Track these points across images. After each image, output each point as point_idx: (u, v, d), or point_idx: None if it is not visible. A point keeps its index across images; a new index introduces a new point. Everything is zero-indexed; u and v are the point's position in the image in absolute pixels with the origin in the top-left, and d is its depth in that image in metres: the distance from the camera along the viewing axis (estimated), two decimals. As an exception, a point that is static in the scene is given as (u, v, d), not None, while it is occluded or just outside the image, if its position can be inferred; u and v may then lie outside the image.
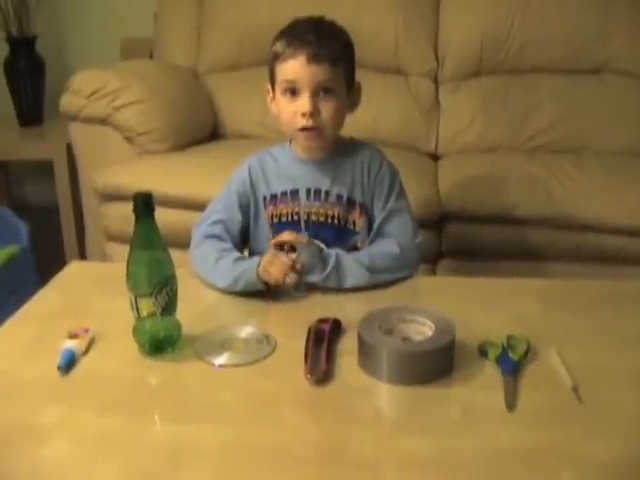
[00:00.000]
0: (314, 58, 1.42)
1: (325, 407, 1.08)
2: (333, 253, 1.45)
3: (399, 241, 1.51)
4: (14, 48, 3.27)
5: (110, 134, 2.44)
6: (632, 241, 2.15)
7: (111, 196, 2.27)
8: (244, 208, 1.57)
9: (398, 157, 1.69)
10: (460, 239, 2.23)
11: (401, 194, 1.57)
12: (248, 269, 1.41)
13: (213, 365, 1.18)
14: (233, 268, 1.43)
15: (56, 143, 2.99)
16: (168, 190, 2.13)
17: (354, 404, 1.08)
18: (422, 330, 1.19)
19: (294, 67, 1.43)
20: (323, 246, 1.47)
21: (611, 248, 2.17)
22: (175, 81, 2.70)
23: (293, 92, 1.45)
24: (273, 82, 1.50)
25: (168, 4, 3.03)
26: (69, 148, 2.69)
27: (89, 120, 2.43)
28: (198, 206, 2.18)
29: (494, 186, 2.26)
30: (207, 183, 2.19)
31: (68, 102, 2.43)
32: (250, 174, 1.58)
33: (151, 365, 1.18)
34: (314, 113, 1.44)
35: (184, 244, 2.16)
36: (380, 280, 1.46)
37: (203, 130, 2.72)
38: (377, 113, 2.57)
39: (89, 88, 2.39)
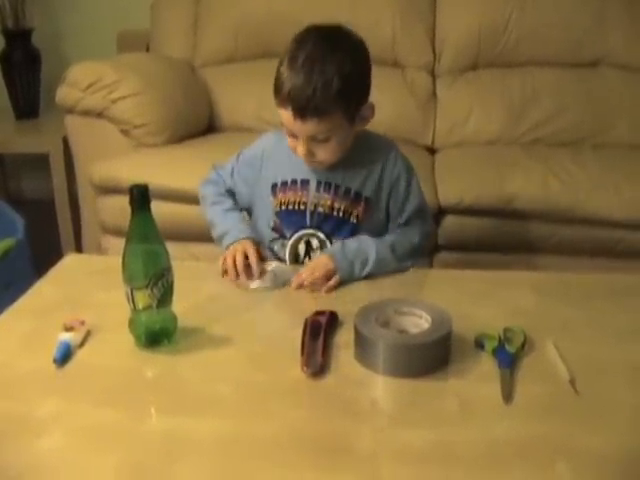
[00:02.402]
0: (300, 116, 1.37)
1: (321, 400, 1.08)
2: (372, 245, 1.48)
3: (419, 233, 1.56)
4: (10, 41, 3.26)
5: (106, 127, 2.44)
6: (629, 234, 2.15)
7: (107, 189, 2.27)
8: (247, 180, 1.61)
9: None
10: (457, 232, 2.23)
11: (416, 192, 1.57)
12: (231, 231, 1.53)
13: (247, 288, 1.40)
14: (223, 220, 1.58)
15: (52, 136, 2.98)
16: (164, 183, 2.13)
17: (350, 397, 1.08)
18: (418, 323, 1.19)
19: (285, 116, 1.40)
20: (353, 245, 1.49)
21: (608, 241, 2.17)
22: (171, 74, 2.70)
23: (290, 133, 1.44)
24: None
25: (164, -3, 3.02)
26: (65, 141, 2.69)
27: (85, 113, 2.43)
28: (194, 199, 2.17)
29: (491, 179, 2.25)
30: (203, 176, 2.19)
31: (64, 95, 2.43)
32: (263, 151, 1.59)
33: (147, 357, 1.18)
34: (310, 156, 1.44)
35: (180, 237, 2.16)
36: (401, 267, 1.50)
37: (199, 123, 2.72)
38: (374, 106, 2.56)
39: (85, 81, 2.38)
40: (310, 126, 1.38)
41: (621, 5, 2.74)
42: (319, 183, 1.53)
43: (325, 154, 1.44)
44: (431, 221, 1.60)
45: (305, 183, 1.54)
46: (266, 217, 1.58)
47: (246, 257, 1.45)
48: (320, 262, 1.44)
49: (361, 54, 1.47)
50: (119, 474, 0.91)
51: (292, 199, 1.54)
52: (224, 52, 2.90)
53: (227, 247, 1.50)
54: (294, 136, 1.43)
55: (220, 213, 1.60)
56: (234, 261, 1.44)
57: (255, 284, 1.42)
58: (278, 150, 1.55)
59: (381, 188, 1.54)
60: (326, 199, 1.53)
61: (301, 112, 1.36)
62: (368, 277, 1.46)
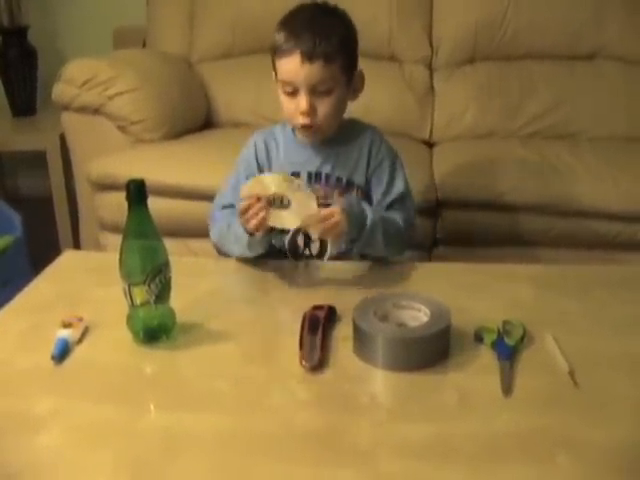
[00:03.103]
0: (308, 58, 1.41)
1: (320, 394, 1.08)
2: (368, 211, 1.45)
3: (403, 219, 1.54)
4: (6, 38, 3.26)
5: (103, 123, 2.43)
6: (626, 227, 2.15)
7: (105, 186, 2.26)
8: None
9: (393, 144, 1.68)
10: (455, 226, 2.23)
11: (402, 176, 1.58)
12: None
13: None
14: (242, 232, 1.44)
15: (49, 133, 2.98)
16: (162, 179, 2.12)
17: (349, 391, 1.08)
18: (417, 316, 1.19)
19: (289, 66, 1.43)
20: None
21: (606, 234, 2.17)
22: (168, 70, 2.69)
23: (291, 90, 1.45)
24: (275, 72, 1.50)
25: (161, -8, 3.01)
26: (62, 138, 2.68)
27: (82, 109, 2.42)
28: (191, 194, 2.18)
29: (489, 173, 2.25)
30: (200, 172, 2.19)
31: (60, 91, 2.42)
32: (257, 158, 1.58)
33: (145, 353, 1.18)
34: (311, 112, 1.45)
35: (178, 233, 2.16)
36: (377, 241, 1.46)
37: (196, 119, 2.71)
38: (371, 100, 2.53)
39: (82, 77, 2.38)
40: (316, 70, 1.42)
41: (618, -2, 2.74)
42: (310, 175, 1.55)
43: (325, 109, 1.46)
44: (414, 213, 1.59)
45: (296, 176, 1.53)
46: None
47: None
48: (335, 216, 1.37)
49: (351, 23, 1.53)
50: (118, 470, 0.91)
51: None
52: (221, 47, 2.90)
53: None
54: (293, 95, 1.45)
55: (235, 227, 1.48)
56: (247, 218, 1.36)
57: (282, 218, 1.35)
58: (268, 149, 1.59)
59: (370, 174, 1.57)
60: (318, 189, 1.53)
61: (309, 54, 1.41)
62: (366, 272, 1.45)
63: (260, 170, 1.57)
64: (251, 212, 1.34)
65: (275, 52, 1.46)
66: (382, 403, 1.08)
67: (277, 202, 1.33)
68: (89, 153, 2.40)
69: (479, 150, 2.46)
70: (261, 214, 1.33)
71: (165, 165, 2.24)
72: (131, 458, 0.93)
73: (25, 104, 3.34)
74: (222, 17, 2.87)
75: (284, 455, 0.93)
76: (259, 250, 1.45)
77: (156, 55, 2.81)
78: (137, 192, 1.13)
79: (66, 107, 2.44)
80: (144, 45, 3.02)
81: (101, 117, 2.43)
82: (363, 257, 1.54)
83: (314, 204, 1.34)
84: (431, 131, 2.72)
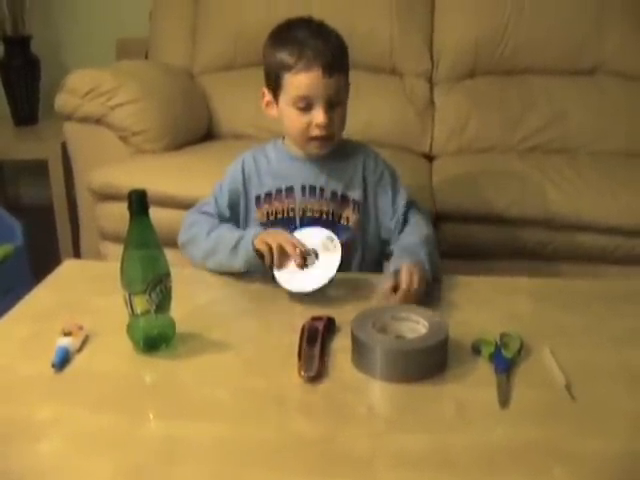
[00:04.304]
0: (328, 71, 1.42)
1: (319, 405, 1.08)
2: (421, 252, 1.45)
3: (425, 222, 1.58)
4: (9, 47, 3.27)
5: (105, 134, 2.44)
6: (626, 241, 2.16)
7: (106, 196, 2.27)
8: (234, 207, 1.58)
9: (392, 157, 1.69)
10: (454, 239, 2.23)
11: (404, 186, 1.61)
12: (246, 236, 1.43)
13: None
14: (232, 231, 1.48)
15: (51, 143, 2.98)
16: (163, 189, 2.13)
17: (348, 401, 1.08)
18: (415, 328, 1.20)
19: (308, 81, 1.43)
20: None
21: (606, 248, 2.17)
22: (170, 81, 2.70)
23: (305, 105, 1.45)
24: (275, 89, 1.50)
25: (163, 4, 3.02)
26: (64, 148, 2.68)
27: (84, 120, 2.43)
28: (193, 205, 2.18)
29: (488, 187, 2.26)
30: (202, 183, 2.18)
31: (63, 101, 2.43)
32: (243, 172, 1.59)
33: (145, 362, 1.18)
34: (329, 125, 1.46)
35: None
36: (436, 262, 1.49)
37: (198, 130, 2.72)
38: (371, 113, 2.57)
39: (84, 87, 2.38)
40: (335, 82, 1.44)
41: (619, 13, 2.75)
42: (303, 188, 1.55)
43: (339, 119, 1.48)
44: (423, 208, 1.62)
45: (289, 190, 1.56)
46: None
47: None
48: (410, 271, 1.34)
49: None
50: (117, 478, 0.92)
51: (279, 208, 1.56)
52: (223, 59, 2.91)
53: (252, 244, 1.42)
54: (306, 109, 1.45)
55: (225, 230, 1.51)
56: (269, 247, 1.38)
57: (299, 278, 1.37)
58: (258, 167, 1.59)
59: (367, 190, 1.57)
60: (313, 203, 1.55)
61: (330, 67, 1.43)
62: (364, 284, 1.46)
63: (245, 185, 1.58)
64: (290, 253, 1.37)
65: (285, 69, 1.45)
66: (380, 414, 1.08)
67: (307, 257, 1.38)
68: (90, 163, 2.41)
69: (479, 164, 2.47)
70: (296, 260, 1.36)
71: (166, 176, 2.24)
72: (130, 466, 0.94)
73: (27, 113, 3.35)
74: (224, 29, 2.88)
75: (283, 465, 0.94)
76: (249, 268, 1.45)
77: (158, 66, 2.82)
78: (139, 202, 1.14)
79: (68, 117, 2.45)
80: (146, 56, 3.03)
81: (103, 127, 2.43)
82: (361, 269, 1.56)
83: (389, 282, 1.34)
84: (431, 145, 2.72)
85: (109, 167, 2.32)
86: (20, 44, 3.26)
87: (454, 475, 0.92)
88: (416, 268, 1.35)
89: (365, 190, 1.57)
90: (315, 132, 1.47)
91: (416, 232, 1.54)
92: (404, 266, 1.35)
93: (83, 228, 2.62)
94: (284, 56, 1.45)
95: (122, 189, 2.06)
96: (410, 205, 1.59)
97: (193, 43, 2.94)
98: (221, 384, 1.12)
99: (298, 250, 1.36)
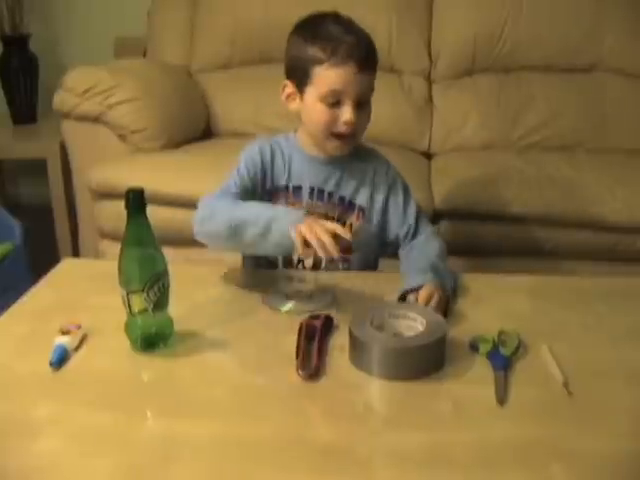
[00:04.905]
0: (362, 68, 1.41)
1: (317, 403, 1.08)
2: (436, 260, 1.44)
3: (435, 233, 1.57)
4: (7, 46, 3.27)
5: (103, 132, 2.44)
6: (625, 238, 2.16)
7: (104, 194, 2.27)
8: (249, 194, 1.50)
9: (391, 155, 1.69)
10: (452, 237, 2.23)
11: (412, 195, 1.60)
12: (281, 214, 1.32)
13: (280, 311, 1.33)
14: (263, 209, 1.36)
15: (50, 141, 2.98)
16: (161, 188, 2.13)
17: (346, 400, 1.08)
18: (413, 326, 1.20)
19: (341, 76, 1.40)
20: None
21: (604, 245, 2.18)
22: (168, 79, 2.70)
23: (335, 101, 1.42)
24: (301, 82, 1.46)
25: (161, 3, 3.03)
26: (63, 146, 2.69)
27: (82, 118, 2.43)
28: (191, 204, 2.17)
29: (487, 184, 2.26)
30: (200, 181, 2.19)
31: (61, 100, 2.43)
32: (262, 159, 1.53)
33: (143, 361, 1.18)
34: (355, 123, 1.43)
35: (176, 241, 2.16)
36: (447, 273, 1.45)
37: (196, 128, 2.73)
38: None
39: (82, 86, 2.39)
40: (366, 79, 1.43)
41: (617, 10, 2.76)
42: (312, 190, 1.53)
43: (364, 118, 1.46)
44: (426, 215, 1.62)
45: (297, 190, 1.53)
46: None
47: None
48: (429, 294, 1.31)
49: None
50: (115, 477, 0.91)
51: (285, 205, 1.52)
52: (221, 58, 2.91)
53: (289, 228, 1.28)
54: (335, 105, 1.42)
55: (254, 206, 1.41)
56: (315, 232, 1.23)
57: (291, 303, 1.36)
58: (274, 157, 1.54)
59: (375, 197, 1.55)
60: (319, 206, 1.53)
61: (363, 64, 1.41)
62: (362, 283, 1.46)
63: (264, 172, 1.52)
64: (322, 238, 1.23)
65: (317, 63, 1.41)
66: (378, 412, 1.08)
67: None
68: (89, 161, 2.41)
69: (477, 161, 2.47)
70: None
71: (164, 174, 2.25)
72: (128, 465, 0.94)
73: (26, 112, 3.35)
74: (222, 28, 2.88)
75: (281, 463, 0.94)
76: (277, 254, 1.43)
77: (156, 65, 2.82)
78: (136, 201, 1.14)
79: (66, 115, 2.45)
80: (144, 55, 3.04)
81: (101, 126, 2.44)
82: (360, 267, 1.55)
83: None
84: (430, 142, 2.73)
85: (107, 165, 2.33)
86: (18, 43, 3.25)
87: (452, 472, 0.92)
88: (437, 291, 1.31)
89: (372, 196, 1.55)
90: (341, 129, 1.44)
91: (431, 246, 1.51)
92: (425, 287, 1.32)
93: (82, 226, 2.62)
94: (316, 50, 1.41)
95: (120, 187, 2.05)
96: (421, 215, 1.58)
97: (191, 41, 2.95)
98: (219, 382, 1.12)
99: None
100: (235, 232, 1.35)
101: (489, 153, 2.60)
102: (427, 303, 1.28)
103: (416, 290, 1.32)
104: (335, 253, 1.21)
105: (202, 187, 2.12)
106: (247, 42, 2.85)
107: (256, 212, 1.35)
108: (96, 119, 2.42)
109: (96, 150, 2.46)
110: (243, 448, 0.96)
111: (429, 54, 2.83)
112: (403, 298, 1.34)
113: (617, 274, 2.15)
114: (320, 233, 1.22)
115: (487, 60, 2.80)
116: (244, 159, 1.53)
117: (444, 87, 2.81)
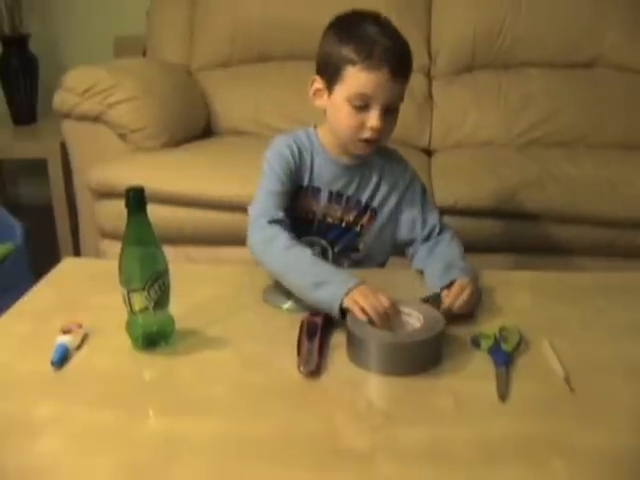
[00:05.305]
0: (395, 75, 1.37)
1: (317, 399, 1.08)
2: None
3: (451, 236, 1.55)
4: (7, 47, 3.26)
5: (103, 131, 2.44)
6: (625, 233, 2.16)
7: (105, 193, 2.27)
8: (290, 193, 1.48)
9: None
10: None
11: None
12: (334, 282, 1.26)
13: (280, 308, 1.33)
14: (313, 267, 1.31)
15: (50, 141, 2.98)
16: (161, 186, 2.13)
17: (347, 396, 1.09)
18: (411, 322, 1.20)
19: (372, 80, 1.37)
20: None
21: (604, 240, 2.18)
22: (168, 78, 2.70)
23: (363, 104, 1.39)
24: (332, 80, 1.42)
25: (161, 2, 3.03)
26: (63, 146, 2.68)
27: (82, 117, 2.43)
28: (191, 202, 2.19)
29: (487, 180, 2.26)
30: (200, 180, 2.20)
31: (61, 100, 2.43)
32: (293, 156, 1.48)
33: (144, 360, 1.18)
34: (382, 129, 1.41)
35: (177, 240, 2.17)
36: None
37: (196, 127, 2.72)
38: (370, 108, 2.57)
39: (82, 86, 2.39)
40: (397, 88, 1.41)
41: (617, 6, 2.75)
42: (330, 193, 1.51)
43: (391, 125, 1.44)
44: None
45: (316, 191, 1.51)
46: None
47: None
48: (460, 289, 1.31)
49: None
50: (116, 475, 0.92)
51: (301, 206, 1.50)
52: (220, 56, 2.91)
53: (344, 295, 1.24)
54: (362, 109, 1.39)
55: (307, 258, 1.34)
56: (375, 306, 1.20)
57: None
58: (302, 155, 1.50)
59: (390, 198, 1.54)
60: (336, 210, 1.51)
61: (397, 71, 1.38)
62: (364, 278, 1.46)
63: (295, 169, 1.48)
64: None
65: (350, 63, 1.38)
66: (379, 408, 1.08)
67: None
68: (89, 161, 2.41)
69: (477, 158, 2.47)
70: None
71: (164, 173, 2.25)
72: (130, 463, 0.94)
73: (26, 112, 3.35)
74: (221, 26, 2.88)
75: (282, 460, 0.94)
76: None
77: (156, 64, 2.83)
78: (136, 200, 1.14)
79: (66, 115, 2.45)
80: (144, 54, 3.04)
81: (101, 125, 2.44)
82: (364, 266, 1.54)
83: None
84: (430, 139, 2.73)
85: (108, 165, 2.33)
86: (18, 43, 3.25)
87: (453, 468, 0.92)
88: (470, 284, 1.32)
89: (388, 197, 1.53)
90: (366, 134, 1.41)
91: (455, 244, 1.51)
92: (459, 281, 1.32)
93: (82, 226, 2.62)
94: (351, 50, 1.38)
95: (120, 186, 2.04)
96: (441, 219, 1.57)
97: (191, 40, 2.95)
98: (220, 380, 1.12)
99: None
100: (283, 279, 1.34)
101: (489, 149, 2.60)
102: (458, 297, 1.28)
103: (448, 287, 1.33)
104: (390, 328, 1.20)
105: (202, 185, 2.13)
106: (246, 41, 2.85)
107: (309, 269, 1.31)
108: (96, 118, 2.42)
109: (96, 149, 2.46)
110: (244, 445, 0.97)
111: (429, 51, 2.83)
112: (436, 297, 1.31)
113: (616, 269, 2.15)
114: (378, 307, 1.19)
115: (487, 56, 2.80)
116: (276, 157, 1.48)
117: (444, 84, 2.81)
